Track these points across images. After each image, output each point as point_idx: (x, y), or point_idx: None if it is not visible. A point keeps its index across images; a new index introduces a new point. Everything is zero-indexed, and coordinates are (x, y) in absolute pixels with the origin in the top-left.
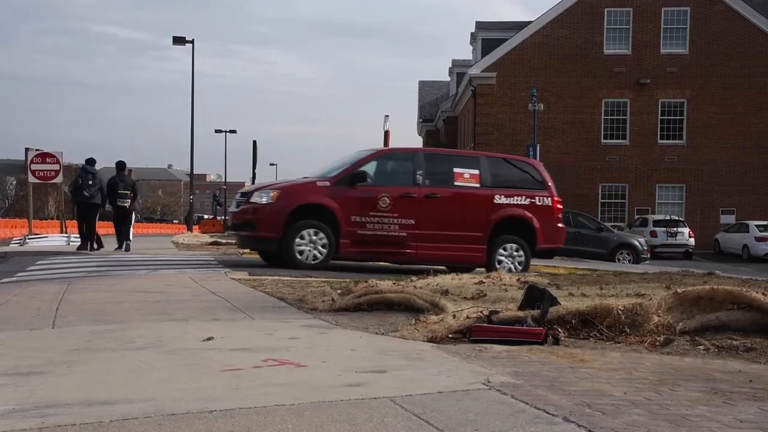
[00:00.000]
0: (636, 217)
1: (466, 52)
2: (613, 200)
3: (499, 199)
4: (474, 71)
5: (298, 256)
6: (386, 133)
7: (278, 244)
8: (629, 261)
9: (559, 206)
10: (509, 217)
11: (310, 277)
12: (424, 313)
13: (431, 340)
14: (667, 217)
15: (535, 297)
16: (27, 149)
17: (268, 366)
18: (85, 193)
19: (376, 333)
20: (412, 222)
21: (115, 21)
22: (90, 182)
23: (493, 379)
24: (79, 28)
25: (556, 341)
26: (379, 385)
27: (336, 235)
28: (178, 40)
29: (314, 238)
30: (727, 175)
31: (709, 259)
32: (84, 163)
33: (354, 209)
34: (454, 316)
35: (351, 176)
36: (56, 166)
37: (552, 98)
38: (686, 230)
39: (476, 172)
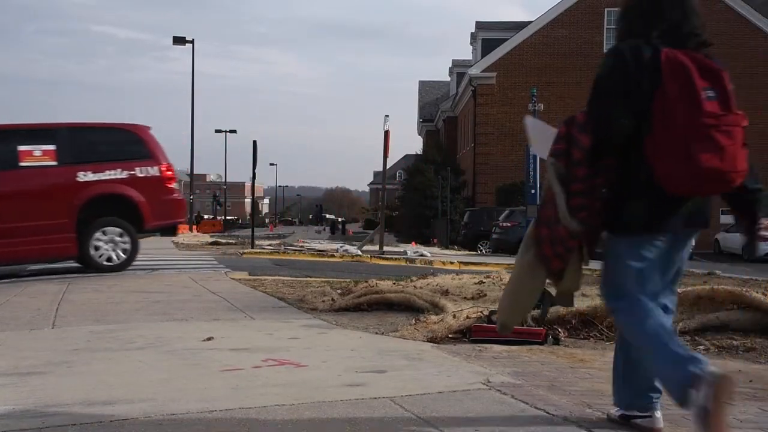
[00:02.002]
0: None
1: (466, 52)
2: None
3: (85, 176)
4: (474, 71)
5: None
6: (386, 133)
7: None
8: None
9: (170, 174)
10: (101, 195)
11: (310, 276)
12: (424, 313)
13: (431, 340)
14: None
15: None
16: None
17: (268, 366)
18: None
19: (376, 333)
20: None
21: (115, 22)
22: None
23: (493, 379)
24: (80, 28)
25: (556, 341)
26: (379, 385)
27: None
28: (178, 41)
29: None
30: None
31: (709, 259)
32: None
33: None
34: (454, 316)
35: None
36: None
37: (552, 98)
38: None
39: (51, 147)
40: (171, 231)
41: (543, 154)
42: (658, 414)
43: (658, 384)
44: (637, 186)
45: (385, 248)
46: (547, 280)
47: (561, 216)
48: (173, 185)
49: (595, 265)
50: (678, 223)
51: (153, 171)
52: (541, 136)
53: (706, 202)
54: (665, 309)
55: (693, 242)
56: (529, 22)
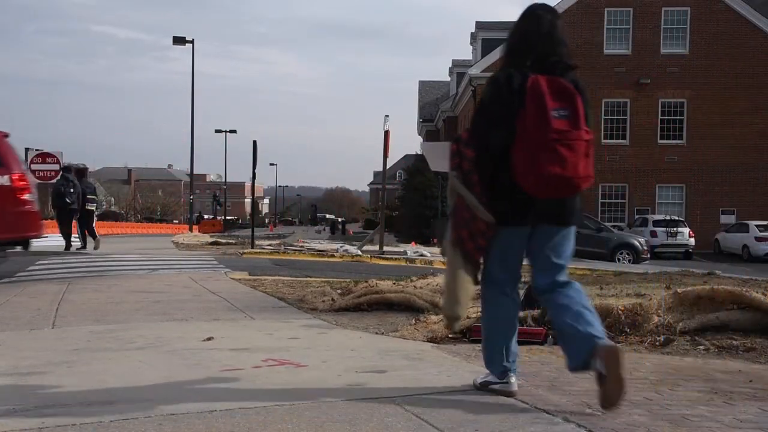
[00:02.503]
0: (636, 217)
1: (466, 52)
2: (613, 200)
3: None
4: (474, 71)
5: None
6: (386, 133)
7: None
8: (629, 261)
9: (22, 184)
10: None
11: (310, 276)
12: (424, 313)
13: (431, 340)
14: (667, 217)
15: (535, 297)
16: (27, 149)
17: (268, 366)
18: (68, 200)
19: (376, 333)
20: None
21: (115, 22)
22: (71, 189)
23: None
24: (80, 28)
25: (556, 341)
26: (379, 385)
27: None
28: (178, 41)
29: None
30: (727, 175)
31: (709, 259)
32: (62, 170)
33: None
34: None
35: None
36: (56, 166)
37: None
38: (686, 230)
39: None
40: (23, 244)
41: (444, 168)
42: (513, 379)
43: (514, 352)
44: (504, 188)
45: (385, 248)
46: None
47: (478, 213)
48: (26, 196)
49: (596, 265)
50: (536, 218)
51: (3, 180)
52: (438, 154)
53: (566, 203)
54: (558, 284)
55: (568, 234)
56: None
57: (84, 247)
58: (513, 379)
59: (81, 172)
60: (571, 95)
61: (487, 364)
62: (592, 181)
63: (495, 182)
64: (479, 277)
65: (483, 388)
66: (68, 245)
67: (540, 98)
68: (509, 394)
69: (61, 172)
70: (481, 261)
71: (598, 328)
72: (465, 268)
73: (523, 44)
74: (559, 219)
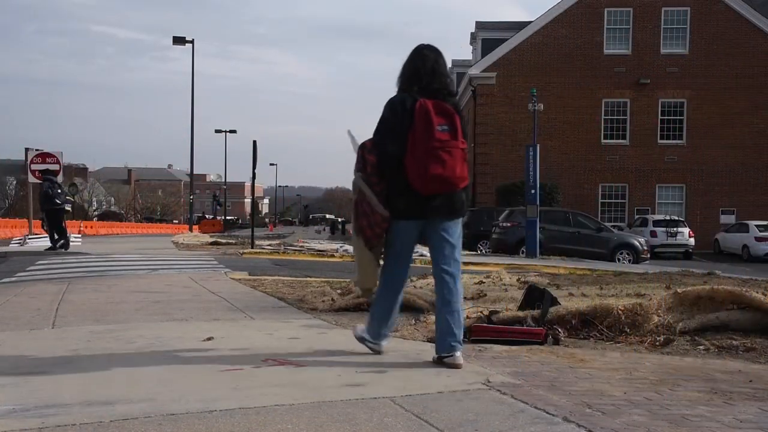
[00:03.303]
0: (636, 217)
1: (466, 52)
2: (613, 200)
3: None
4: (474, 71)
5: None
6: None
7: None
8: (629, 261)
9: None
10: None
11: (310, 276)
12: (424, 313)
13: (431, 340)
14: (667, 217)
15: (535, 297)
16: (27, 149)
17: (268, 366)
18: (57, 201)
19: None
20: None
21: (115, 22)
22: (59, 191)
23: (493, 379)
24: (80, 28)
25: (556, 341)
26: (379, 385)
27: None
28: (178, 41)
29: None
30: (727, 175)
31: (709, 259)
32: (45, 174)
33: None
34: None
35: None
36: (56, 166)
37: (552, 98)
38: (686, 230)
39: None
40: None
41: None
42: (384, 342)
43: (392, 324)
44: (400, 188)
45: None
46: (547, 281)
47: (376, 207)
48: None
49: (596, 265)
50: (430, 212)
51: None
52: (357, 147)
53: (451, 198)
54: (448, 273)
55: (455, 226)
56: (529, 22)
57: (63, 246)
58: (384, 342)
59: (55, 174)
60: (452, 114)
61: (368, 325)
62: (467, 182)
63: (392, 183)
64: (381, 257)
65: (360, 340)
66: (55, 245)
67: (427, 116)
68: (377, 352)
69: (43, 175)
70: (379, 245)
71: (460, 336)
72: (368, 250)
73: (413, 76)
74: (448, 212)
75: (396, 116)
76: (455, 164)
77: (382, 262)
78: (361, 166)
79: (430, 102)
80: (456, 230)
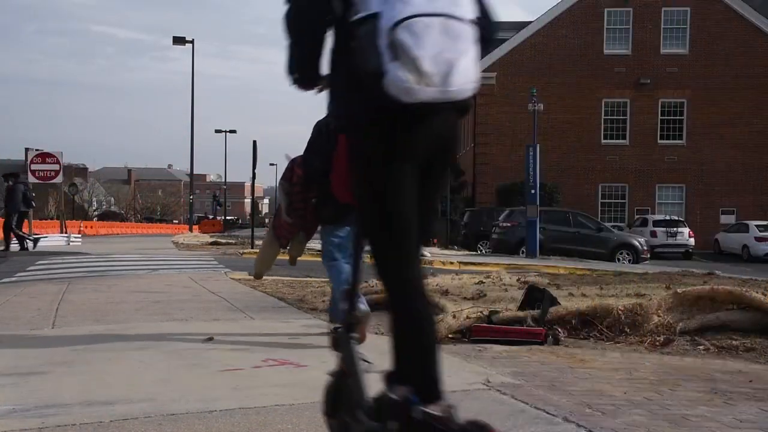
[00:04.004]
0: (636, 217)
1: None
2: (613, 200)
3: None
4: None
5: None
6: None
7: None
8: (629, 261)
9: None
10: None
11: (310, 276)
12: None
13: None
14: (667, 217)
15: (535, 297)
16: (27, 149)
17: (268, 366)
18: (33, 204)
19: (376, 333)
20: None
21: (115, 22)
22: (32, 194)
23: (493, 379)
24: (80, 28)
25: (556, 341)
26: (380, 384)
27: None
28: (178, 41)
29: None
30: (727, 175)
31: (709, 259)
32: (15, 177)
33: None
34: (454, 316)
35: None
36: (56, 166)
37: (552, 98)
38: (686, 230)
39: None
40: None
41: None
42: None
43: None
44: (326, 198)
45: None
46: (547, 281)
47: (282, 213)
48: None
49: (596, 265)
50: (348, 218)
51: None
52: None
53: None
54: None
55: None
56: (529, 22)
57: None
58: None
59: (16, 176)
60: None
61: (332, 315)
62: None
63: (320, 194)
64: (286, 246)
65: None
66: (34, 243)
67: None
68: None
69: (10, 179)
70: (287, 243)
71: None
72: (275, 242)
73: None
74: None
75: (321, 137)
76: None
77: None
78: (288, 176)
79: None
80: None
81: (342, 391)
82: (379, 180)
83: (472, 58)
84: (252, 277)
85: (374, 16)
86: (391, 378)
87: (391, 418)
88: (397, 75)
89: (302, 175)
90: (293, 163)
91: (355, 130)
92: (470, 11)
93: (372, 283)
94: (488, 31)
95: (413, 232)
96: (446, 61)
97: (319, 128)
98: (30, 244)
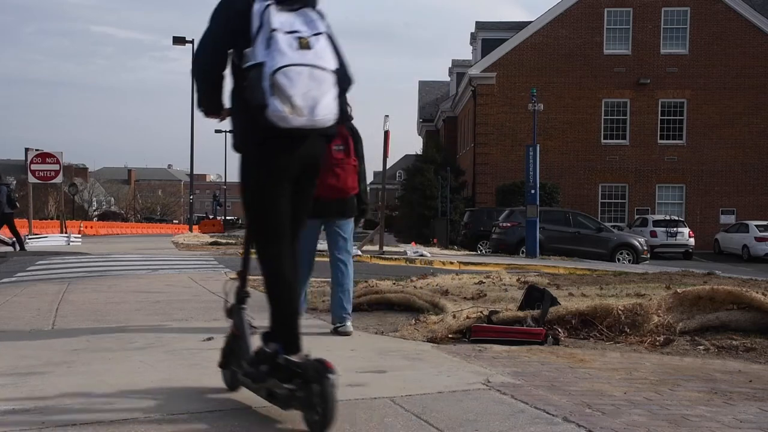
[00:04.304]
0: (636, 217)
1: (466, 53)
2: (613, 200)
3: None
4: (474, 71)
5: None
6: (386, 134)
7: None
8: (629, 261)
9: None
10: None
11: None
12: (424, 313)
13: (431, 340)
14: (667, 217)
15: (535, 297)
16: (27, 149)
17: None
18: (17, 205)
19: (376, 333)
20: None
21: (115, 22)
22: (16, 195)
23: (493, 379)
24: (80, 28)
25: (556, 341)
26: (379, 385)
27: None
28: (178, 41)
29: None
30: (727, 175)
31: (709, 259)
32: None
33: None
34: (454, 316)
35: None
36: (56, 166)
37: (552, 98)
38: (686, 230)
39: None
40: None
41: None
42: (348, 323)
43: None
44: None
45: (385, 248)
46: (547, 281)
47: None
48: None
49: (596, 265)
50: (330, 214)
51: None
52: None
53: (344, 202)
54: (341, 261)
55: (347, 224)
56: (529, 22)
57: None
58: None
59: None
60: (346, 137)
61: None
62: (357, 190)
63: None
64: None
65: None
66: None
67: None
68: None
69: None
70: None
71: (349, 309)
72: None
73: None
74: (341, 213)
75: None
76: (347, 177)
77: None
78: None
79: None
80: (348, 227)
81: (233, 348)
82: (263, 190)
83: (333, 97)
84: (252, 277)
85: (260, 65)
86: (266, 336)
87: (264, 364)
88: (276, 107)
89: None
90: None
91: (247, 148)
92: (332, 63)
93: (371, 283)
94: (344, 79)
95: (287, 230)
96: (312, 97)
97: None
98: (17, 248)
